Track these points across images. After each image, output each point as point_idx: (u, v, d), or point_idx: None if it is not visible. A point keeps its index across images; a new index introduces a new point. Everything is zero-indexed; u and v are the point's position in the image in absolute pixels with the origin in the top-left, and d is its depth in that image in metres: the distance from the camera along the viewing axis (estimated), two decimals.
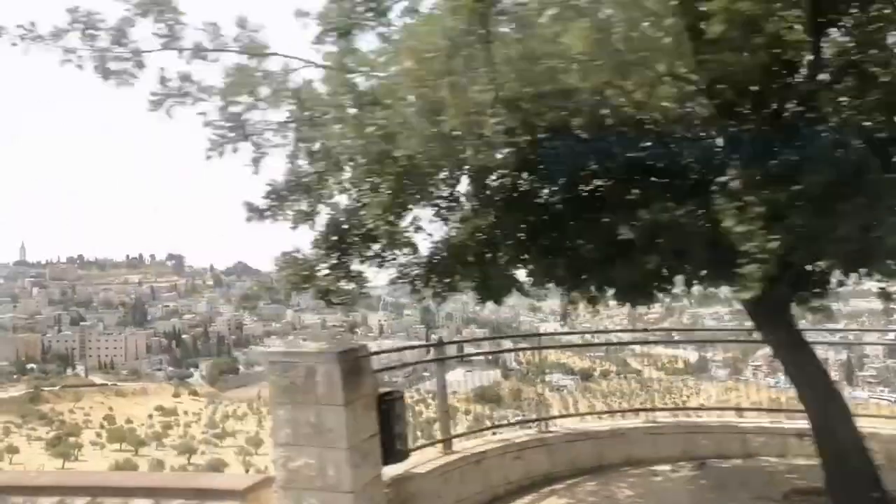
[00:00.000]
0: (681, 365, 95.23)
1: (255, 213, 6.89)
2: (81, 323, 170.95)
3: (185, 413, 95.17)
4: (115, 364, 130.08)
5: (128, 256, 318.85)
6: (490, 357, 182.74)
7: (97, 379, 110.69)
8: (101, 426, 76.23)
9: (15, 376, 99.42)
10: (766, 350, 11.01)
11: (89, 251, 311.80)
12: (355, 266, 6.61)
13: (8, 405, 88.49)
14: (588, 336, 21.18)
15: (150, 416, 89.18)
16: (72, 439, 61.65)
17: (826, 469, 5.68)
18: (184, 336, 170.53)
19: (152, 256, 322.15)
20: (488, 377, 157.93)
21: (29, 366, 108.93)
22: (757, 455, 7.51)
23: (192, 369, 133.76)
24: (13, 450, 56.32)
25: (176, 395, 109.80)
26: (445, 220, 6.49)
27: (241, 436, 65.20)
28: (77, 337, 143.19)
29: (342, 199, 6.77)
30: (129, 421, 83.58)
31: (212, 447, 61.53)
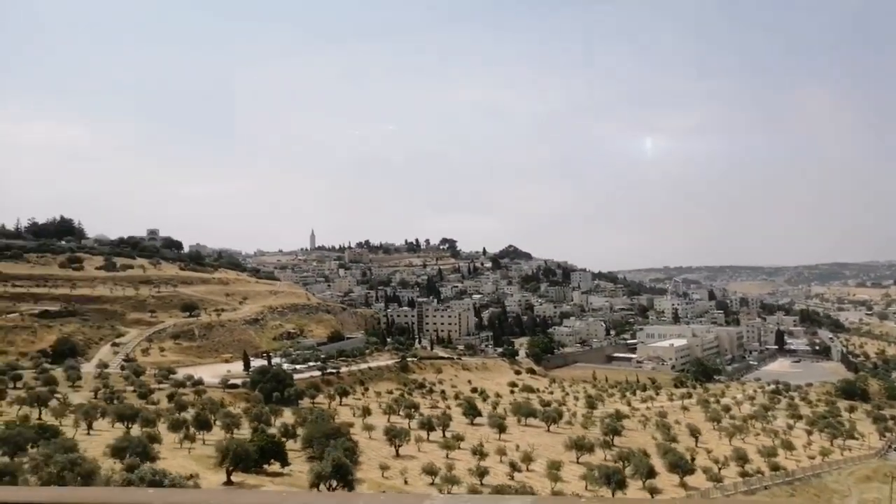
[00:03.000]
0: None
1: None
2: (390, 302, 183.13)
3: (538, 390, 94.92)
4: (451, 338, 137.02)
5: (406, 241, 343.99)
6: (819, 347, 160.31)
7: (440, 352, 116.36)
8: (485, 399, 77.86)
9: (375, 348, 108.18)
10: None
11: (373, 237, 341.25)
12: None
13: (386, 374, 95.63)
14: None
15: (512, 391, 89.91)
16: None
17: None
18: (482, 313, 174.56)
19: (427, 241, 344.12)
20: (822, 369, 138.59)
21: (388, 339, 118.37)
22: None
23: (508, 347, 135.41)
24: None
25: (517, 373, 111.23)
26: None
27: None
28: (415, 312, 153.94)
29: None
30: (497, 395, 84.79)
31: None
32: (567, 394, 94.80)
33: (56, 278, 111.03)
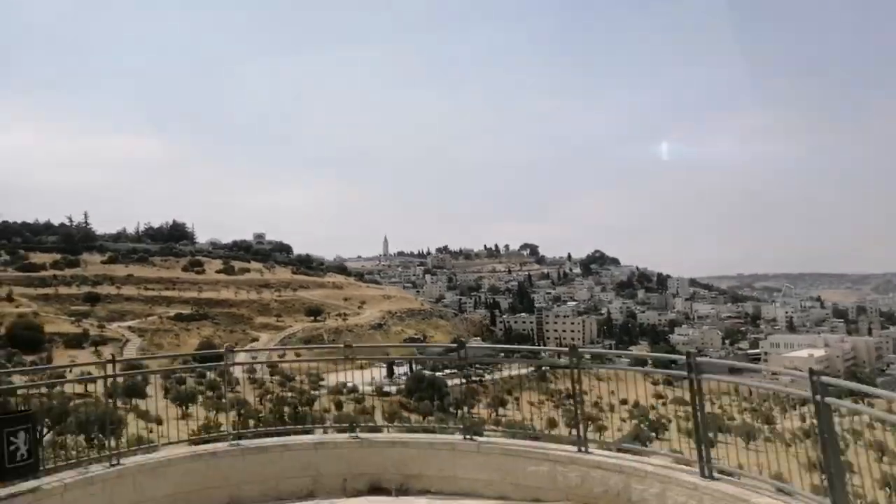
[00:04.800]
0: None
1: None
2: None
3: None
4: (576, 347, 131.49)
5: (485, 247, 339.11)
6: None
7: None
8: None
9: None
10: None
11: (443, 242, 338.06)
12: None
13: (526, 383, 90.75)
14: None
15: (664, 404, 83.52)
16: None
17: None
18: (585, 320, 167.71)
19: (507, 247, 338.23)
20: None
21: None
22: None
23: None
24: None
25: (655, 383, 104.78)
26: None
27: None
28: (534, 319, 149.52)
29: None
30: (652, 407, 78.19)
31: None
32: (726, 406, 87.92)
33: (182, 281, 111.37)
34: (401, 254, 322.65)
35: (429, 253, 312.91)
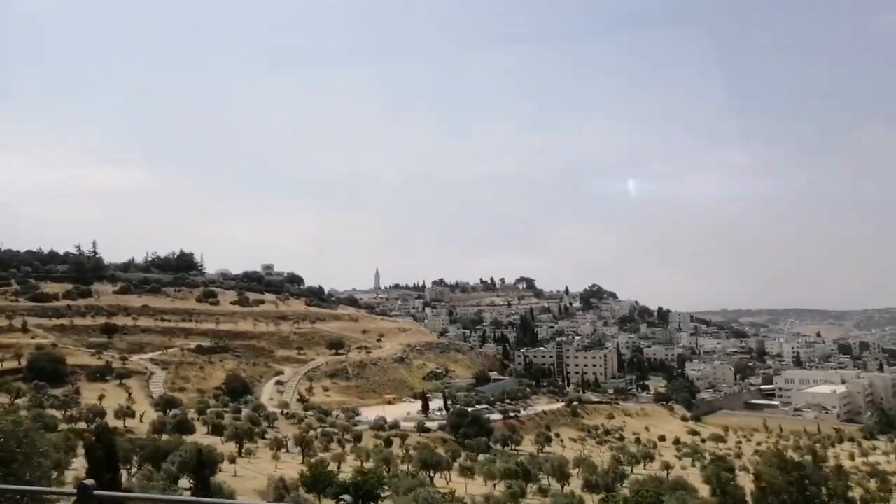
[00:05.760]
0: None
1: None
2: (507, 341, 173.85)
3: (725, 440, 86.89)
4: (598, 381, 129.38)
5: (481, 280, 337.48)
6: None
7: (591, 396, 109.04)
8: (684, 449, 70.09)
9: (532, 391, 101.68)
10: None
11: (443, 276, 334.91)
12: None
13: (560, 418, 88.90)
14: None
15: (704, 440, 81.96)
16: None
17: None
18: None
19: (502, 280, 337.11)
20: None
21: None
22: None
23: (646, 391, 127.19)
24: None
25: (684, 419, 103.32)
26: None
27: None
28: (554, 353, 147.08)
29: None
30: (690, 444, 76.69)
31: None
32: (760, 442, 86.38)
33: (198, 313, 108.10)
34: (396, 286, 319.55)
35: (424, 286, 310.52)
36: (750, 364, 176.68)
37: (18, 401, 62.43)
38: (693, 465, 61.14)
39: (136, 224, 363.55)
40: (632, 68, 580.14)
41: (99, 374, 76.44)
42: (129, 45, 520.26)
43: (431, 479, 37.89)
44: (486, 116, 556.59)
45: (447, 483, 39.14)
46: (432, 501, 23.61)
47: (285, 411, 71.48)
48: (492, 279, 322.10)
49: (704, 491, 38.40)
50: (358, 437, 60.86)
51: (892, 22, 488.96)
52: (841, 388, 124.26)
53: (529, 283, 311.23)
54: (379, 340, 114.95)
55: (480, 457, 52.91)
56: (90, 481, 7.74)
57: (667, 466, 58.52)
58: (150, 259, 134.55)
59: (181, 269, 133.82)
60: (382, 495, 28.38)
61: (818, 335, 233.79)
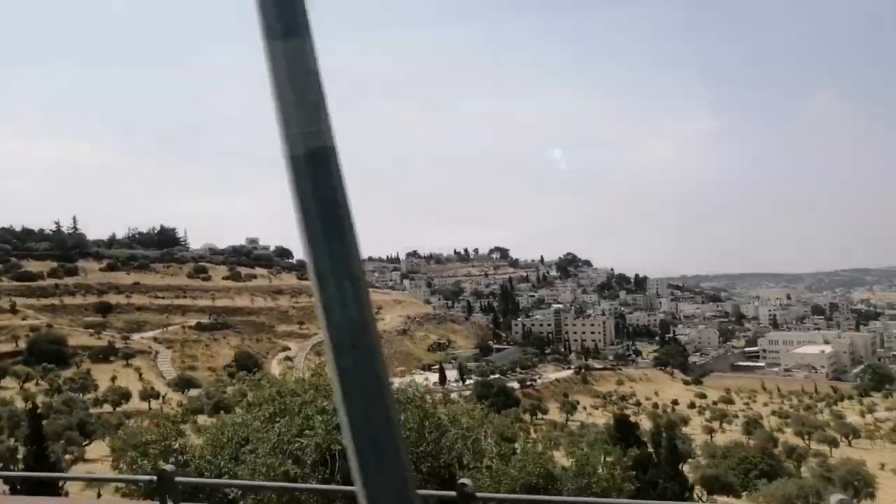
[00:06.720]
0: None
1: None
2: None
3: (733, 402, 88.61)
4: (598, 348, 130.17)
5: (455, 251, 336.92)
6: None
7: (594, 363, 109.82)
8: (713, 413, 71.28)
9: (538, 359, 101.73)
10: None
11: (418, 246, 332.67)
12: None
13: (574, 386, 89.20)
14: None
15: (715, 403, 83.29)
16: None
17: None
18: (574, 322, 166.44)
19: (476, 251, 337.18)
20: None
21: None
22: None
23: (640, 356, 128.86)
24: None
25: (686, 383, 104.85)
26: None
27: None
28: (552, 320, 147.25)
29: None
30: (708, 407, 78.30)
31: None
32: (770, 404, 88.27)
33: (192, 289, 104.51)
34: (370, 259, 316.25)
35: (398, 258, 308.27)
36: (730, 328, 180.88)
37: (28, 384, 59.30)
38: (730, 427, 62.01)
39: (98, 200, 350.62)
40: (594, 41, 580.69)
41: (103, 355, 73.21)
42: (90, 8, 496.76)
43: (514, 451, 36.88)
44: (449, 94, 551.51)
45: None
46: None
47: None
48: (465, 250, 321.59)
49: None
50: None
51: None
52: (828, 349, 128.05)
53: (503, 254, 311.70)
54: (377, 312, 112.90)
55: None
56: (170, 467, 6.66)
57: (710, 431, 59.06)
58: (131, 235, 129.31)
59: (164, 244, 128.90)
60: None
61: (788, 297, 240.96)
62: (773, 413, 75.42)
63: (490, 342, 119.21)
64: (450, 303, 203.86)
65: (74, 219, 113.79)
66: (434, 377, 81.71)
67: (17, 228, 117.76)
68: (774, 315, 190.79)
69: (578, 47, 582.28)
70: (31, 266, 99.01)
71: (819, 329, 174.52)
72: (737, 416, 71.79)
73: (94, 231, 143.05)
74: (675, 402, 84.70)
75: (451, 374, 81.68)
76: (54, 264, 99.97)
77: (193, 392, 60.98)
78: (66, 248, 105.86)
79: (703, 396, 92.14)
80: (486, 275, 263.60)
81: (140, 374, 67.76)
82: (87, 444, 34.85)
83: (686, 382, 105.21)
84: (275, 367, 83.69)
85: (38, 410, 24.67)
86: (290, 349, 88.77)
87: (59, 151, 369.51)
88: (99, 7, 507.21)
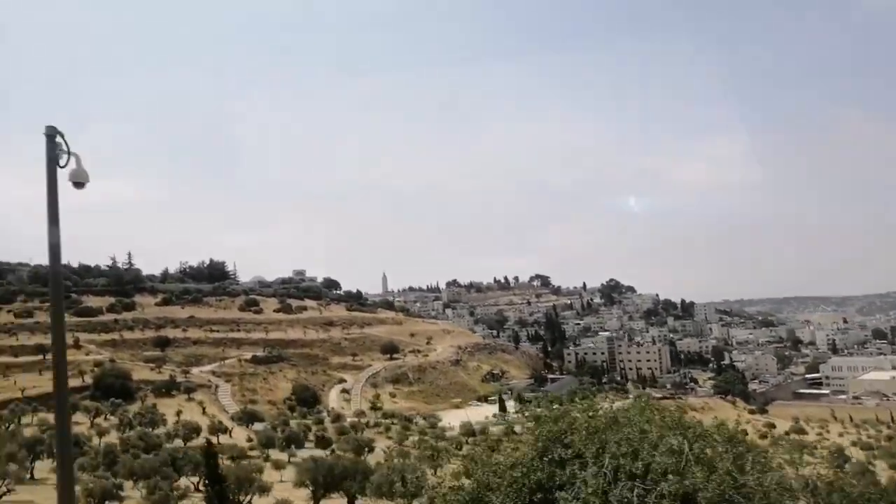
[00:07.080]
0: None
1: None
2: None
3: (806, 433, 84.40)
4: (654, 377, 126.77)
5: (495, 279, 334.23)
6: None
7: (652, 392, 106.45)
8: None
9: (596, 389, 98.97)
10: None
11: (460, 276, 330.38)
12: None
13: None
14: None
15: (787, 433, 79.40)
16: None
17: None
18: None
19: (516, 279, 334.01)
20: None
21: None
22: None
23: (693, 383, 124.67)
24: None
25: (751, 412, 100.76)
26: None
27: None
28: (605, 349, 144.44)
29: None
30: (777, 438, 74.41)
31: None
32: (843, 435, 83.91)
33: (244, 322, 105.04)
34: (411, 289, 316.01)
35: (438, 287, 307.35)
36: (787, 353, 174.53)
37: (98, 419, 59.49)
38: (813, 460, 58.76)
39: (141, 237, 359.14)
40: (628, 73, 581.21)
41: (165, 389, 73.46)
42: (132, 46, 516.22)
43: None
44: (486, 125, 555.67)
45: None
46: None
47: (367, 420, 68.60)
48: (506, 278, 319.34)
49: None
50: (458, 445, 58.04)
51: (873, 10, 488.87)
52: None
53: (544, 281, 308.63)
54: (428, 343, 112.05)
55: None
56: None
57: (792, 462, 56.02)
58: (183, 269, 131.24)
59: (215, 278, 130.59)
60: None
61: (844, 321, 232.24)
62: (854, 444, 71.54)
63: (543, 372, 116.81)
64: (494, 332, 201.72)
65: (129, 254, 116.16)
66: (489, 408, 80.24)
67: (75, 265, 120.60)
68: (833, 340, 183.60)
69: (613, 76, 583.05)
70: (91, 301, 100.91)
71: (884, 354, 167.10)
72: (815, 448, 68.23)
73: (144, 265, 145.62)
74: (744, 433, 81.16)
75: (510, 405, 79.75)
76: (112, 299, 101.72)
77: (258, 426, 60.43)
78: (123, 283, 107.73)
79: (773, 426, 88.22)
80: (529, 303, 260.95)
81: (203, 409, 67.62)
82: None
83: (751, 412, 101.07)
84: (333, 400, 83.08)
85: (213, 449, 22.45)
86: (345, 381, 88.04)
87: (105, 188, 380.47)
88: (145, 47, 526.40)
